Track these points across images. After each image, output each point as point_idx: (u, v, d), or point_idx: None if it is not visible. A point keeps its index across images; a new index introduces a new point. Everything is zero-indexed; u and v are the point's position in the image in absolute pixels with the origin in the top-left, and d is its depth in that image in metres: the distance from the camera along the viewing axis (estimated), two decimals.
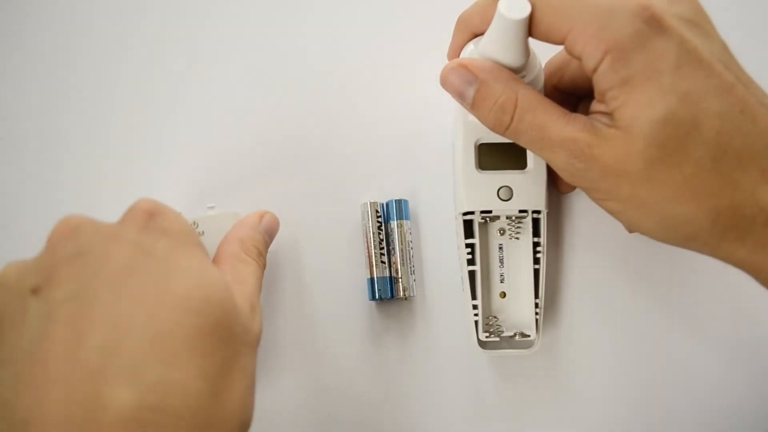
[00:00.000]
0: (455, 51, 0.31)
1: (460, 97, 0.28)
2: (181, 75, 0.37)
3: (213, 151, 0.36)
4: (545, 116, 0.27)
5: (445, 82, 0.28)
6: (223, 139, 0.36)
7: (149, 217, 0.26)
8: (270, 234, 0.33)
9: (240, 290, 0.27)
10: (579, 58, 0.26)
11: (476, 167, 0.32)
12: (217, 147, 0.36)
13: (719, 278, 0.34)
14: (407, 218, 0.34)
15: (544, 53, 0.31)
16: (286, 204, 0.35)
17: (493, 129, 0.28)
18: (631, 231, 0.34)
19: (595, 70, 0.26)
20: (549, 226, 0.34)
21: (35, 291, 0.23)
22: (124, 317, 0.23)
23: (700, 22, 0.27)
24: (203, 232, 0.32)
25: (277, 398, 0.34)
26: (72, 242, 0.24)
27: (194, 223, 0.32)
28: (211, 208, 0.33)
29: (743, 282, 0.28)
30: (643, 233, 0.28)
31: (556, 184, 0.34)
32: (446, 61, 0.32)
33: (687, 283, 0.35)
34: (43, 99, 0.37)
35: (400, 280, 0.34)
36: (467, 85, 0.28)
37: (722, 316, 0.35)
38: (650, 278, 0.35)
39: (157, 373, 0.22)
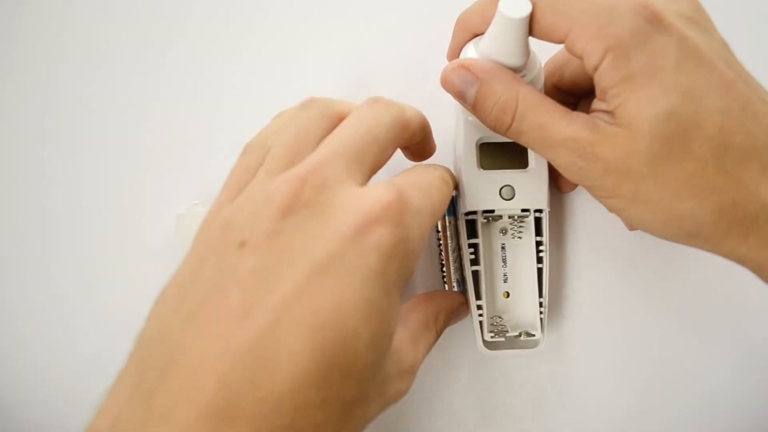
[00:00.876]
0: (455, 51, 0.31)
1: (460, 97, 0.28)
2: (199, 74, 0.38)
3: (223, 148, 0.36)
4: (546, 116, 0.27)
5: (445, 83, 0.28)
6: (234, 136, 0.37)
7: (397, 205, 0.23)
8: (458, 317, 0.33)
9: (408, 351, 0.27)
10: (580, 57, 0.26)
11: (478, 167, 0.32)
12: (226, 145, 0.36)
13: (724, 276, 0.34)
14: (452, 214, 0.34)
15: (544, 52, 0.31)
16: None
17: (494, 129, 0.28)
18: (632, 228, 0.34)
19: (596, 68, 0.26)
20: (551, 224, 0.34)
21: (242, 245, 0.22)
22: (286, 321, 0.21)
23: (700, 20, 0.27)
24: None
25: None
26: (283, 214, 0.23)
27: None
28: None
29: (748, 280, 0.27)
30: (645, 230, 0.28)
31: (556, 184, 0.34)
32: (446, 62, 0.32)
33: (691, 281, 0.35)
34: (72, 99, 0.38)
35: (450, 276, 0.33)
36: (468, 86, 0.28)
37: (727, 313, 0.35)
38: (654, 276, 0.35)
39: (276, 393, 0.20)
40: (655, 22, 0.25)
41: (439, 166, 0.29)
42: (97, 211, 0.36)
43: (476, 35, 0.30)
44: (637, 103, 0.25)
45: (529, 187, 0.32)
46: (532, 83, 0.30)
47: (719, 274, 0.35)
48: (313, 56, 0.37)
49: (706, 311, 0.35)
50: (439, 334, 0.30)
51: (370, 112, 0.26)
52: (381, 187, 0.24)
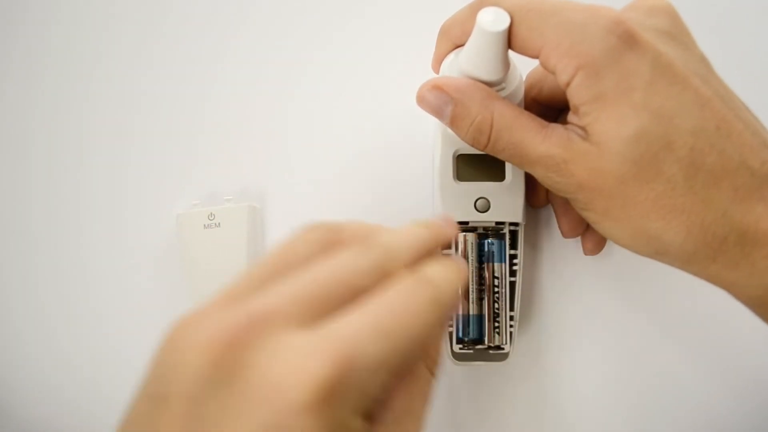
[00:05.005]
0: (437, 61, 0.31)
1: (437, 115, 0.29)
2: (200, 74, 0.38)
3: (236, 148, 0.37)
4: (521, 133, 0.27)
5: (421, 102, 0.29)
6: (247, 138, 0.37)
7: None
8: None
9: None
10: (553, 73, 0.26)
11: (454, 178, 0.32)
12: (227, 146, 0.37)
13: (698, 289, 0.34)
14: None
15: (527, 65, 0.31)
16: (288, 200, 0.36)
17: (472, 146, 0.28)
18: (587, 253, 0.34)
19: (568, 85, 0.25)
20: (526, 237, 0.34)
21: (164, 400, 0.19)
22: None
23: (678, 35, 0.26)
24: (219, 224, 0.34)
25: None
26: (207, 373, 0.18)
27: (211, 214, 0.34)
28: (228, 200, 0.35)
29: (721, 293, 0.27)
30: (617, 244, 0.28)
31: (528, 199, 0.34)
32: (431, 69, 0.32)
33: (665, 294, 0.35)
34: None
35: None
36: (443, 105, 0.28)
37: (701, 325, 0.35)
38: (627, 290, 0.35)
39: None
40: (627, 39, 0.25)
41: (444, 268, 0.22)
42: (98, 211, 0.37)
43: (458, 46, 0.30)
44: (607, 122, 0.25)
45: (505, 200, 0.32)
46: (510, 97, 0.29)
47: (695, 285, 0.34)
48: (312, 56, 0.38)
49: (682, 324, 0.35)
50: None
51: (350, 255, 0.21)
52: (316, 351, 0.18)
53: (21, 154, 0.37)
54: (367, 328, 0.19)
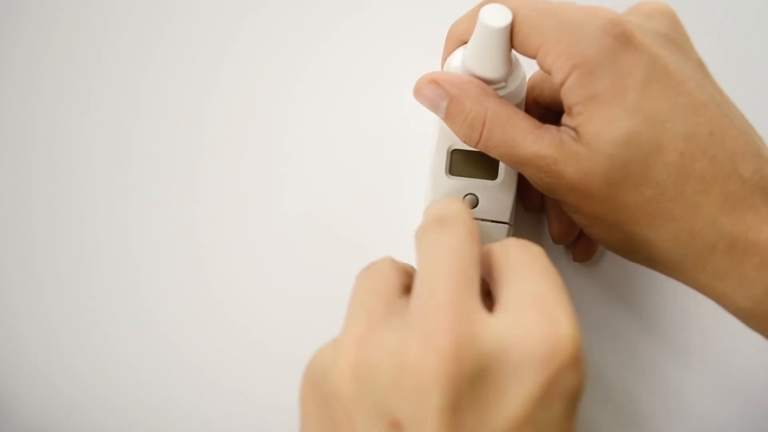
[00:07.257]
0: (446, 58, 0.31)
1: (433, 109, 0.29)
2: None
3: None
4: (513, 133, 0.27)
5: (417, 96, 0.29)
6: None
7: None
8: None
9: None
10: (549, 72, 0.26)
11: (446, 172, 0.32)
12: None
13: (689, 296, 0.33)
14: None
15: (534, 68, 0.31)
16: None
17: (465, 143, 0.28)
18: (576, 259, 0.34)
19: (562, 84, 0.25)
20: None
21: (395, 426, 0.20)
22: None
23: (676, 38, 0.26)
24: None
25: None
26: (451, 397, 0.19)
27: None
28: None
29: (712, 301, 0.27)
30: (607, 249, 0.28)
31: (523, 203, 0.34)
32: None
33: (656, 301, 0.35)
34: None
35: None
36: (439, 100, 0.28)
37: (693, 331, 0.35)
38: (617, 297, 0.35)
39: None
40: (623, 40, 0.25)
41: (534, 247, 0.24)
42: (99, 211, 0.37)
43: (465, 42, 0.30)
44: (599, 123, 0.25)
45: (494, 199, 0.32)
46: (510, 96, 0.29)
47: (686, 292, 0.33)
48: (309, 54, 0.38)
49: (675, 327, 0.35)
50: None
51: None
52: (561, 316, 0.21)
53: (21, 154, 0.37)
54: (562, 296, 0.22)
